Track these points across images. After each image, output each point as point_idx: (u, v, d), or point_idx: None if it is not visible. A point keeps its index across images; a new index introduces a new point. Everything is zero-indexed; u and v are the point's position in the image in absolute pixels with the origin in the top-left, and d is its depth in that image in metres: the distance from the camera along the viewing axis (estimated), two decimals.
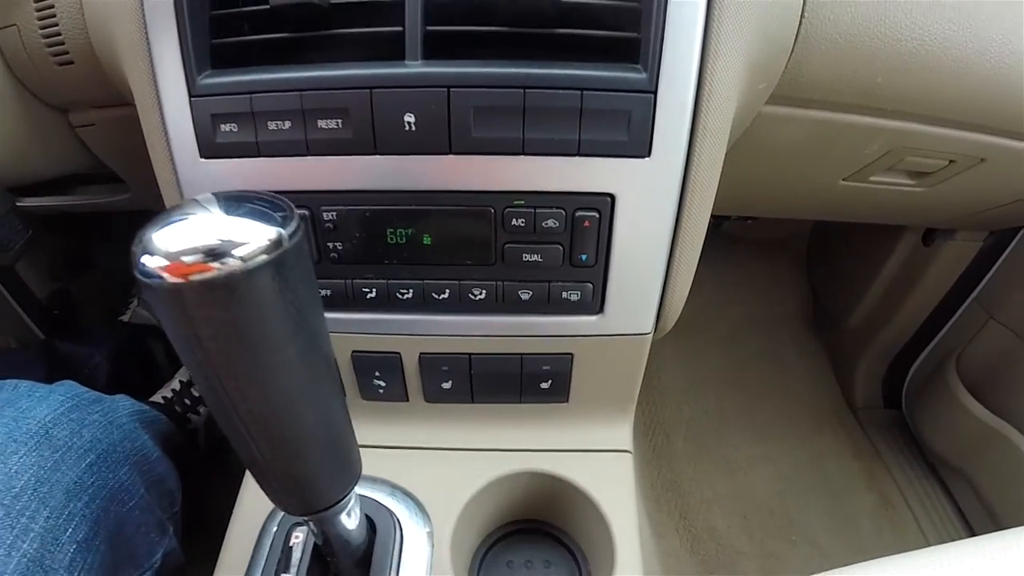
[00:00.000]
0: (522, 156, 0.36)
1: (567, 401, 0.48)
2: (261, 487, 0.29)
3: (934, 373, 0.97)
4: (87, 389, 0.50)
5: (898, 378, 1.07)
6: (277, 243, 0.21)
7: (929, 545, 0.45)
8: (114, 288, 1.06)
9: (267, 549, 0.39)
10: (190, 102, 0.36)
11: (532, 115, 0.35)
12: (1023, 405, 0.82)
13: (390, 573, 0.37)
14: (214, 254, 0.20)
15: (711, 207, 0.41)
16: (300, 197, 0.38)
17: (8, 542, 0.37)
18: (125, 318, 1.02)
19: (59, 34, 0.46)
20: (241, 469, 0.40)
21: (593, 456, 0.48)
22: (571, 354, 0.45)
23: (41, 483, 0.41)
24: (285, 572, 0.37)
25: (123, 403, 0.53)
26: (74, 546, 0.40)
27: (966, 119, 0.50)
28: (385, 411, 0.49)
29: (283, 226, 0.21)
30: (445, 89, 0.34)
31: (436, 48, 0.35)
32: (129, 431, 0.50)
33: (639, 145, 0.36)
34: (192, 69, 0.36)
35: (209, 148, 0.37)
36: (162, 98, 0.37)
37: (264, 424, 0.25)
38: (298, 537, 0.39)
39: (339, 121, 0.35)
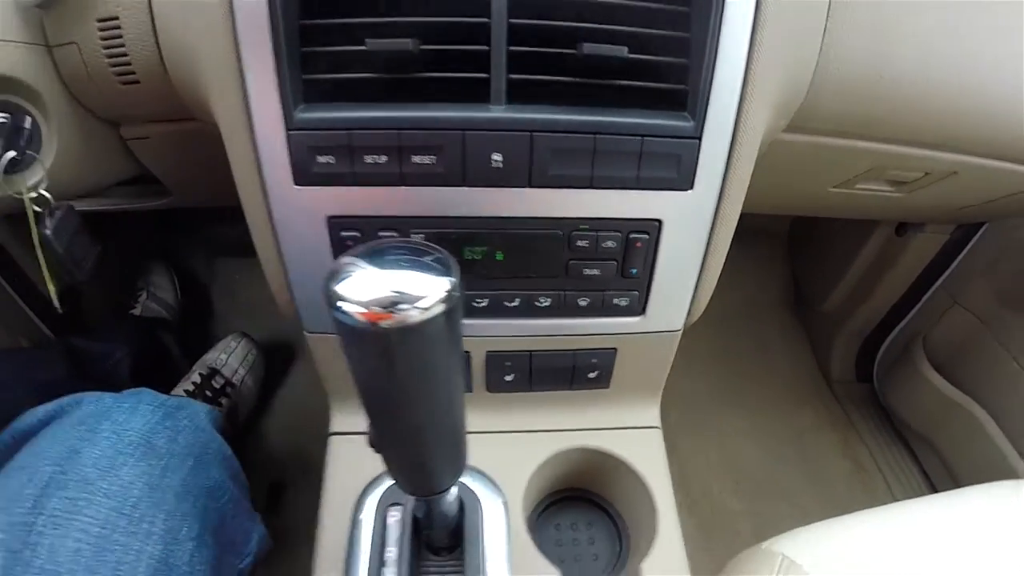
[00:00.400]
0: (591, 191, 0.42)
1: (608, 387, 0.55)
2: (392, 474, 0.35)
3: (903, 351, 1.09)
4: (166, 396, 0.53)
5: (870, 355, 1.19)
6: (452, 291, 0.25)
7: None
8: (119, 282, 1.07)
9: (365, 529, 0.45)
10: (287, 135, 0.39)
11: (600, 156, 0.41)
12: (982, 381, 0.94)
13: (480, 539, 0.44)
14: (408, 301, 0.24)
15: (736, 223, 0.48)
16: (391, 221, 0.42)
17: (136, 547, 0.41)
18: (136, 312, 1.03)
19: (125, 54, 0.45)
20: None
21: (629, 432, 0.55)
22: (615, 348, 0.52)
23: (153, 490, 0.44)
24: (388, 546, 0.43)
25: (200, 408, 0.56)
26: (191, 543, 0.45)
27: (946, 143, 0.58)
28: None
29: (451, 275, 0.26)
30: (529, 134, 0.39)
31: (515, 92, 0.39)
32: (210, 433, 0.54)
33: (685, 181, 0.43)
34: (289, 103, 0.38)
35: (304, 177, 0.40)
36: (256, 129, 0.40)
37: (420, 430, 0.30)
38: (394, 516, 0.45)
39: (433, 157, 0.40)
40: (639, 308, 0.49)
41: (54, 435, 0.47)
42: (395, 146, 0.39)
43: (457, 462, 0.34)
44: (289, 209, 0.42)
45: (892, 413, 1.14)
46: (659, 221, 0.45)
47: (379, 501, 0.47)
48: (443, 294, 0.25)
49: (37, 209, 0.49)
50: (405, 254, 0.26)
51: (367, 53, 0.38)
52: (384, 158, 0.40)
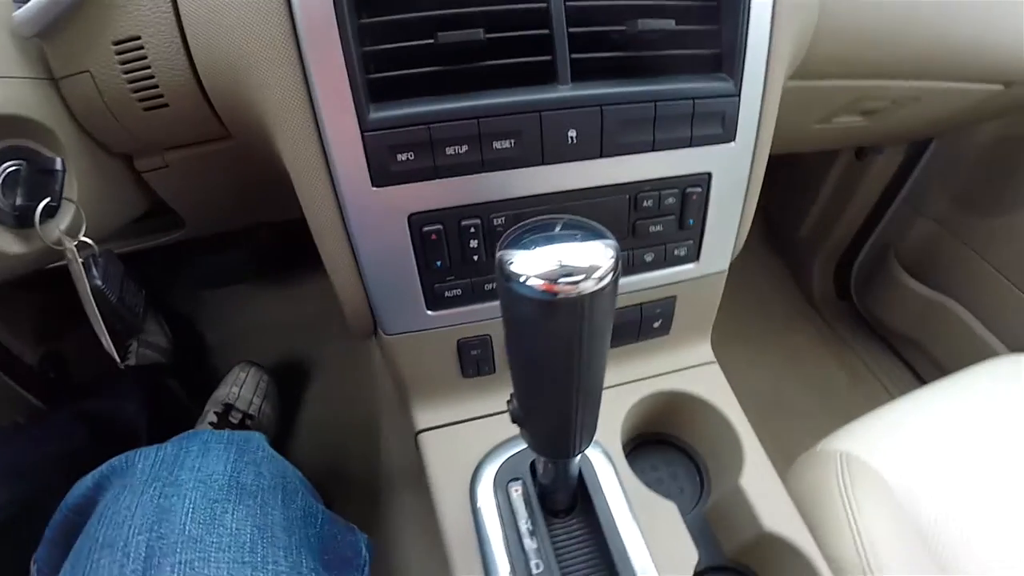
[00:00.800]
0: (652, 153, 0.46)
1: (668, 333, 0.59)
2: (535, 442, 0.38)
3: (877, 264, 1.21)
4: (220, 431, 0.51)
5: (846, 273, 1.31)
6: (617, 255, 0.28)
7: None
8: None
9: (488, 512, 0.47)
10: (363, 137, 0.39)
11: (660, 121, 0.44)
12: (952, 278, 1.06)
13: (601, 492, 0.47)
14: (585, 272, 0.26)
15: (765, 165, 0.53)
16: (473, 208, 0.43)
17: None
18: (131, 362, 0.98)
19: (151, 76, 0.42)
20: None
21: (692, 371, 0.60)
22: (675, 296, 0.56)
23: (263, 530, 0.43)
24: (519, 520, 0.46)
25: (261, 437, 0.54)
26: (313, 573, 0.44)
27: (919, 73, 0.65)
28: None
29: (612, 240, 0.28)
30: (599, 108, 0.42)
31: (577, 70, 0.42)
32: (281, 459, 0.53)
33: (729, 134, 0.48)
34: (363, 104, 0.39)
35: (383, 177, 0.41)
36: (329, 135, 0.40)
37: (576, 393, 0.32)
38: (517, 490, 0.47)
39: (512, 141, 0.41)
40: (695, 255, 0.53)
41: (124, 502, 0.43)
42: (475, 135, 0.41)
43: (596, 422, 0.37)
44: (367, 212, 0.43)
45: (875, 322, 1.27)
46: (709, 174, 0.49)
47: (494, 482, 0.49)
48: (612, 259, 0.27)
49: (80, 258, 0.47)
50: (566, 229, 0.28)
51: (431, 46, 0.38)
52: (465, 148, 0.41)
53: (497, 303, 0.49)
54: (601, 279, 0.26)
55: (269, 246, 1.23)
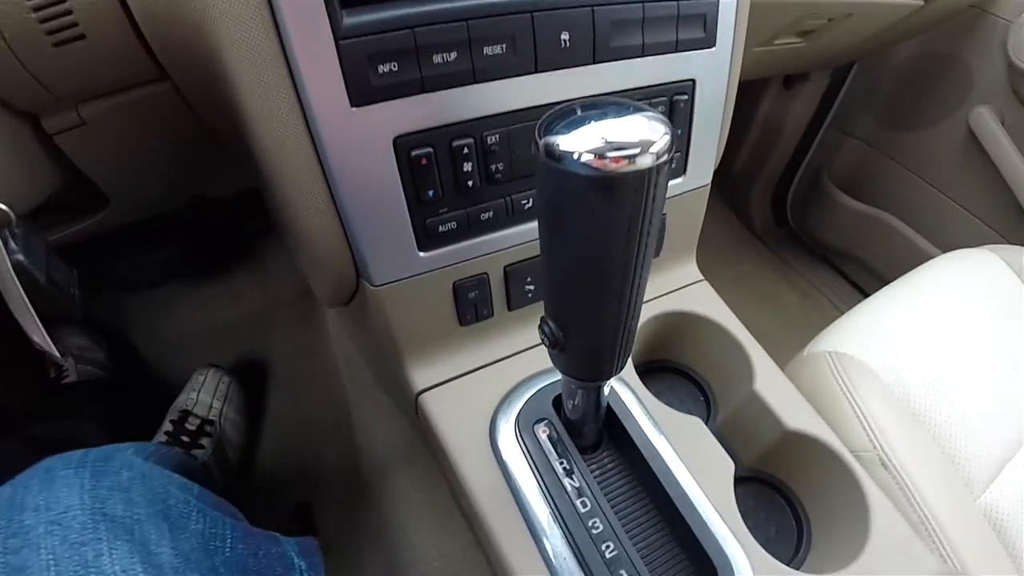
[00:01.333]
0: (641, 58, 0.44)
1: (660, 255, 0.58)
2: (574, 364, 0.35)
3: (811, 187, 1.28)
4: (82, 451, 0.42)
5: (783, 199, 1.38)
6: (672, 145, 0.25)
7: None
8: (33, 355, 0.88)
9: (516, 462, 0.44)
10: (337, 46, 0.34)
11: (648, 23, 0.42)
12: (883, 191, 1.13)
13: (631, 416, 0.46)
14: (643, 146, 0.24)
15: (739, 79, 0.53)
16: (466, 126, 0.40)
17: None
18: (71, 379, 0.86)
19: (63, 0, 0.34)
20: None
21: (687, 290, 0.59)
22: (665, 214, 0.55)
23: (156, 568, 0.36)
24: (552, 461, 0.43)
25: (127, 449, 0.46)
26: None
27: None
28: (525, 316, 0.54)
29: (664, 123, 0.25)
30: (590, 8, 0.39)
31: None
32: (160, 474, 0.44)
33: (711, 38, 0.47)
34: (335, 8, 0.34)
35: (363, 94, 0.36)
36: (295, 48, 0.34)
37: (639, 292, 0.30)
38: (545, 431, 0.45)
39: (503, 45, 0.38)
40: (683, 168, 0.53)
41: None
42: (465, 39, 0.37)
43: (634, 335, 0.35)
44: (346, 138, 0.37)
45: (815, 242, 1.35)
46: (693, 80, 0.48)
47: (516, 428, 0.46)
48: (666, 134, 0.25)
49: None
50: (613, 105, 0.26)
51: None
52: (454, 54, 0.37)
53: (495, 236, 0.46)
54: (659, 155, 0.24)
55: (199, 238, 1.11)
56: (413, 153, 0.39)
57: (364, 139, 0.38)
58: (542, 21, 0.38)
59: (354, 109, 0.37)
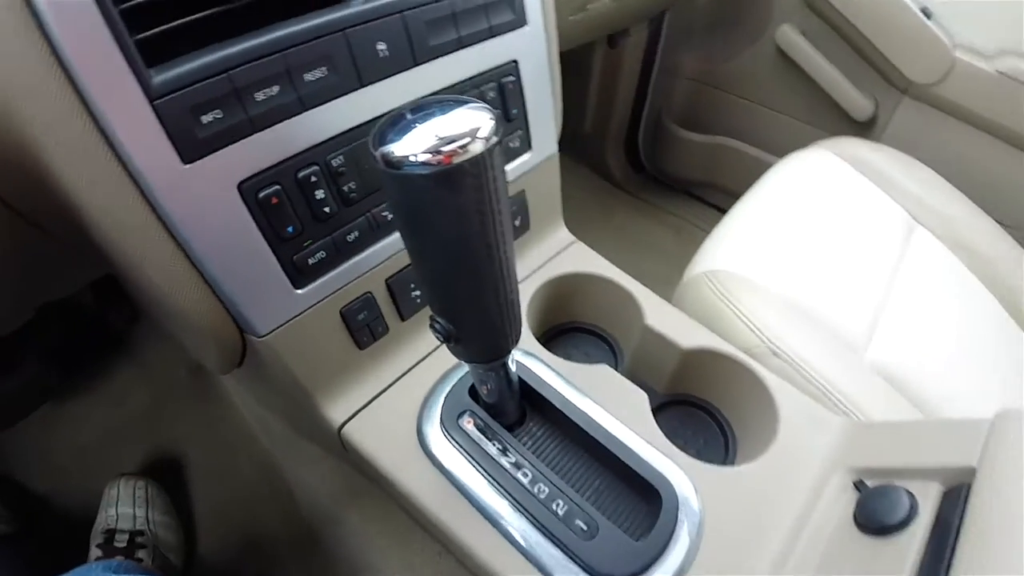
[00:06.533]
0: (462, 51, 0.47)
1: (530, 228, 0.62)
2: (472, 351, 0.38)
3: (656, 130, 1.42)
4: None
5: (634, 149, 1.52)
6: (498, 127, 0.28)
7: None
8: None
9: (453, 459, 0.46)
10: (152, 106, 0.34)
11: (461, 17, 0.46)
12: (721, 120, 1.28)
13: (543, 383, 0.50)
14: (468, 135, 0.27)
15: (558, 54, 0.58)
16: (308, 155, 0.41)
17: None
18: None
19: None
20: None
21: (562, 254, 0.64)
22: (523, 190, 0.59)
23: None
24: (485, 446, 0.46)
25: (96, 570, 0.47)
26: None
27: None
28: (420, 322, 0.56)
29: (487, 109, 0.28)
30: (400, 15, 0.42)
31: None
32: None
33: (521, 18, 0.51)
34: (141, 70, 0.33)
35: (192, 149, 0.36)
36: (109, 121, 0.33)
37: (510, 265, 0.33)
38: (469, 422, 0.48)
39: (323, 68, 0.39)
40: (527, 143, 0.57)
41: None
42: (283, 71, 0.38)
43: (520, 308, 0.38)
44: (187, 199, 0.37)
45: (672, 179, 1.52)
46: (515, 61, 0.53)
47: (442, 429, 0.48)
48: (490, 118, 0.28)
49: None
50: (436, 104, 0.28)
51: None
52: (276, 88, 0.38)
53: (367, 253, 0.48)
54: (488, 139, 0.27)
55: (60, 347, 1.02)
56: (261, 195, 0.40)
57: (206, 194, 0.38)
58: (356, 37, 0.40)
59: (187, 166, 0.36)
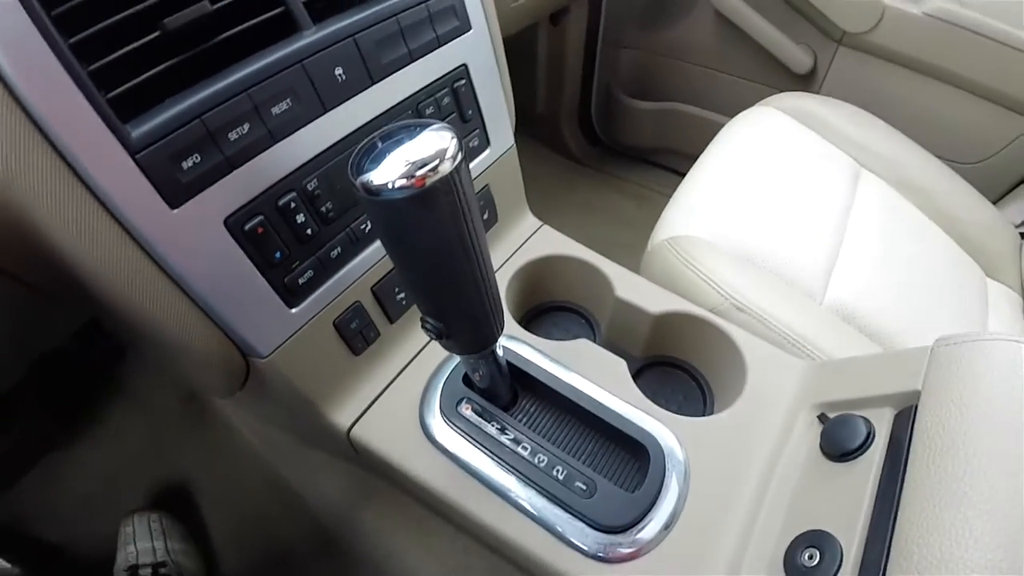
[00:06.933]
0: (414, 63, 0.50)
1: (498, 220, 0.66)
2: (461, 343, 0.42)
3: (608, 102, 1.47)
4: None
5: (588, 123, 1.57)
6: (456, 135, 0.31)
7: None
8: None
9: (461, 445, 0.50)
10: (135, 161, 0.37)
11: (408, 32, 0.49)
12: (669, 86, 1.33)
13: (530, 363, 0.54)
14: (437, 156, 0.30)
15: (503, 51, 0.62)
16: (285, 183, 0.44)
17: None
18: None
19: None
20: None
21: (531, 241, 0.69)
22: (487, 184, 0.63)
23: None
24: (486, 428, 0.50)
25: None
26: None
27: None
28: (408, 321, 0.59)
29: (449, 130, 0.32)
30: (352, 39, 0.45)
31: (311, 9, 0.44)
32: None
33: (465, 23, 0.55)
34: (118, 128, 0.36)
35: (177, 194, 0.39)
36: (95, 180, 0.36)
37: (487, 263, 0.37)
38: (467, 408, 0.52)
39: (288, 100, 0.42)
40: (486, 140, 0.61)
41: None
42: (251, 109, 0.41)
43: (501, 300, 0.42)
44: (180, 241, 0.40)
45: (629, 148, 1.58)
46: (465, 65, 0.56)
47: (443, 419, 0.52)
48: (452, 139, 0.31)
49: None
50: (403, 130, 0.32)
51: (159, 39, 0.37)
52: (247, 125, 0.41)
53: (351, 265, 0.51)
54: (455, 158, 0.31)
55: (51, 398, 1.04)
56: (247, 226, 0.43)
57: (196, 234, 0.41)
58: (314, 67, 0.43)
59: (175, 211, 0.39)
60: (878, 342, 0.73)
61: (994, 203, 1.07)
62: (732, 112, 1.04)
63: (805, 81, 1.24)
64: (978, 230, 0.95)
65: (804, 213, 0.85)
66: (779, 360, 0.57)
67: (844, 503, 0.41)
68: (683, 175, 0.88)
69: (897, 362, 0.46)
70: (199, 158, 0.40)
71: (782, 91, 1.09)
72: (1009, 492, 0.32)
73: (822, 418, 0.49)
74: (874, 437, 0.43)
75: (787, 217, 0.83)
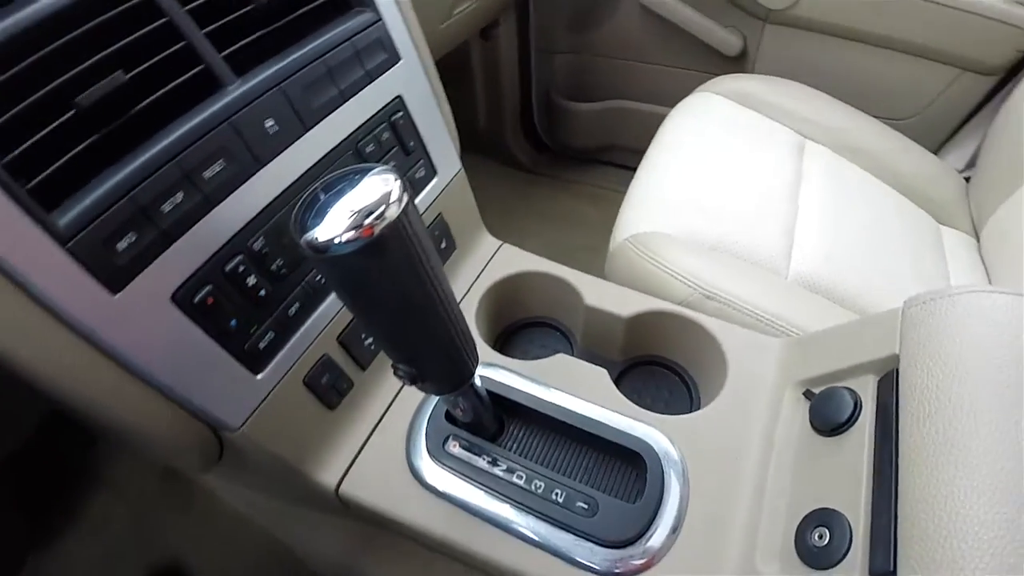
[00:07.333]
0: (347, 103, 0.50)
1: (456, 247, 0.66)
2: (436, 383, 0.41)
3: (549, 109, 1.50)
4: None
5: (532, 131, 1.59)
6: (398, 176, 0.30)
7: None
8: None
9: (456, 484, 0.49)
10: (66, 251, 0.35)
11: (336, 72, 0.48)
12: (609, 84, 1.35)
13: (511, 388, 0.53)
14: (385, 204, 0.29)
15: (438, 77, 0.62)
16: (229, 247, 0.43)
17: None
18: None
19: None
20: None
21: (493, 261, 0.68)
22: (440, 212, 0.63)
23: None
24: (478, 462, 0.49)
25: None
26: None
27: None
28: (380, 366, 0.58)
29: (391, 171, 0.30)
30: (278, 88, 0.44)
31: (232, 64, 0.43)
32: None
33: (394, 55, 0.54)
34: (43, 219, 0.34)
35: (116, 278, 0.37)
36: (27, 278, 0.34)
37: (451, 302, 0.36)
38: (455, 445, 0.51)
39: (220, 161, 0.41)
40: (432, 171, 0.61)
41: None
42: (181, 176, 0.39)
43: (470, 333, 0.41)
44: (128, 327, 0.38)
45: (577, 151, 1.60)
46: (399, 96, 0.55)
47: (431, 460, 0.51)
48: (396, 181, 0.30)
49: None
50: (344, 179, 0.30)
51: (75, 116, 0.36)
52: (180, 194, 0.40)
53: (312, 319, 0.50)
54: (400, 200, 0.29)
55: (24, 500, 0.99)
56: (196, 299, 0.41)
57: (144, 315, 0.39)
58: (242, 122, 0.42)
59: (117, 296, 0.37)
60: (848, 307, 0.75)
61: (935, 153, 1.11)
62: (672, 102, 1.06)
63: (738, 63, 1.27)
64: (924, 181, 0.99)
65: (756, 192, 0.86)
66: (756, 342, 0.57)
67: (844, 478, 0.41)
68: (635, 170, 0.89)
69: (871, 328, 0.47)
70: (134, 236, 0.38)
71: (717, 75, 1.11)
72: (1003, 440, 0.33)
73: (808, 395, 0.49)
74: (861, 407, 0.44)
75: (741, 199, 0.84)
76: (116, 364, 0.39)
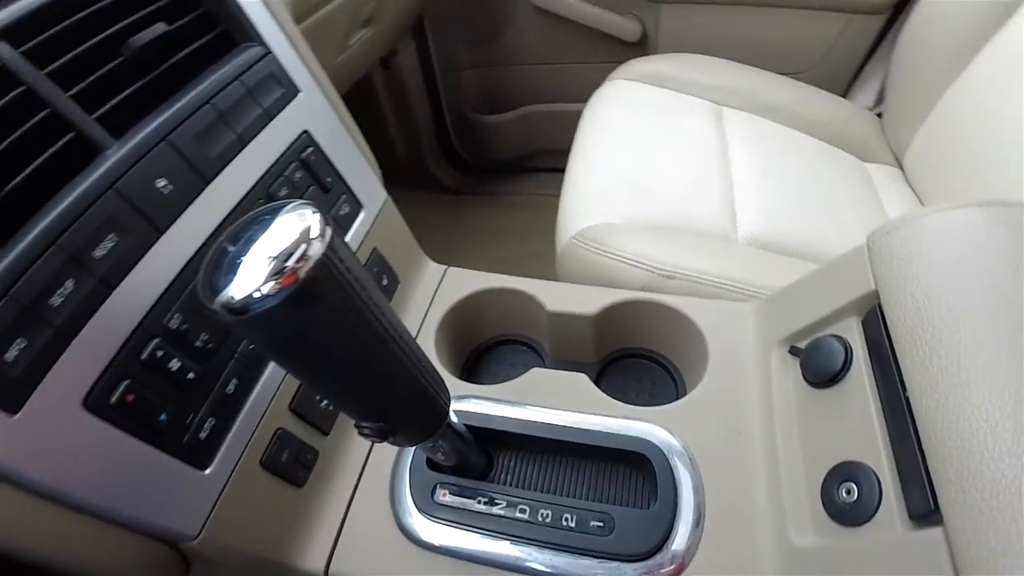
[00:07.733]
0: (248, 146, 0.46)
1: (401, 280, 0.62)
2: (410, 433, 0.37)
3: (465, 126, 1.50)
4: None
5: (452, 152, 1.58)
6: (327, 217, 0.26)
7: None
8: None
9: (451, 534, 0.45)
10: None
11: (229, 115, 0.44)
12: (517, 93, 1.35)
13: (491, 418, 0.50)
14: (306, 242, 0.24)
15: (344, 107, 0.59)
16: (140, 332, 0.37)
17: None
18: None
19: None
20: None
21: (442, 287, 0.64)
22: (374, 247, 0.59)
23: None
24: (472, 506, 0.45)
25: None
26: None
27: None
28: (343, 427, 0.53)
29: (307, 204, 0.26)
30: (164, 142, 0.39)
31: (108, 124, 0.38)
32: None
33: (292, 88, 0.51)
34: None
35: (11, 394, 0.32)
36: None
37: (407, 340, 0.32)
38: (444, 492, 0.46)
39: (112, 235, 0.36)
40: (358, 205, 0.57)
41: None
42: (67, 260, 0.34)
43: (435, 369, 0.37)
44: (32, 449, 0.32)
45: (501, 163, 1.59)
46: (306, 131, 0.52)
47: (425, 520, 0.46)
48: (315, 213, 0.25)
49: None
50: (254, 224, 0.26)
51: None
52: (70, 282, 0.34)
53: (256, 393, 0.44)
54: (323, 234, 0.25)
55: None
56: (113, 399, 0.36)
57: (55, 431, 0.33)
58: (129, 187, 0.37)
59: (17, 416, 0.32)
60: (804, 256, 0.75)
61: (844, 96, 1.15)
62: (586, 97, 1.06)
63: (641, 47, 1.30)
64: (840, 124, 1.02)
65: (688, 165, 0.86)
66: (728, 311, 0.56)
67: (854, 426, 0.39)
68: (563, 171, 0.88)
69: (840, 270, 0.46)
70: (24, 342, 0.32)
71: (624, 63, 1.12)
72: (1010, 342, 0.31)
73: (794, 351, 0.48)
74: (852, 351, 0.42)
75: (674, 175, 0.84)
76: (32, 495, 0.33)
